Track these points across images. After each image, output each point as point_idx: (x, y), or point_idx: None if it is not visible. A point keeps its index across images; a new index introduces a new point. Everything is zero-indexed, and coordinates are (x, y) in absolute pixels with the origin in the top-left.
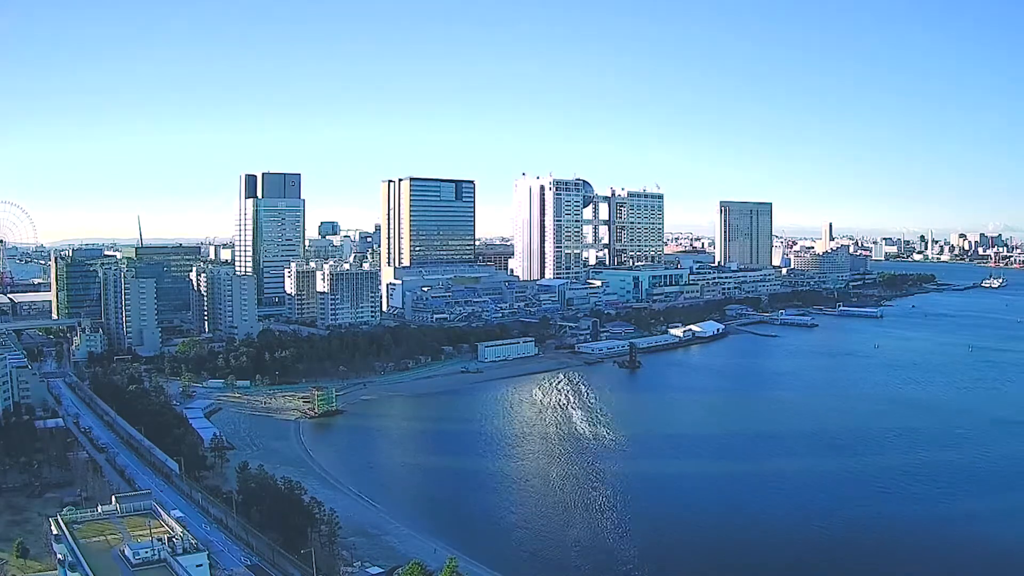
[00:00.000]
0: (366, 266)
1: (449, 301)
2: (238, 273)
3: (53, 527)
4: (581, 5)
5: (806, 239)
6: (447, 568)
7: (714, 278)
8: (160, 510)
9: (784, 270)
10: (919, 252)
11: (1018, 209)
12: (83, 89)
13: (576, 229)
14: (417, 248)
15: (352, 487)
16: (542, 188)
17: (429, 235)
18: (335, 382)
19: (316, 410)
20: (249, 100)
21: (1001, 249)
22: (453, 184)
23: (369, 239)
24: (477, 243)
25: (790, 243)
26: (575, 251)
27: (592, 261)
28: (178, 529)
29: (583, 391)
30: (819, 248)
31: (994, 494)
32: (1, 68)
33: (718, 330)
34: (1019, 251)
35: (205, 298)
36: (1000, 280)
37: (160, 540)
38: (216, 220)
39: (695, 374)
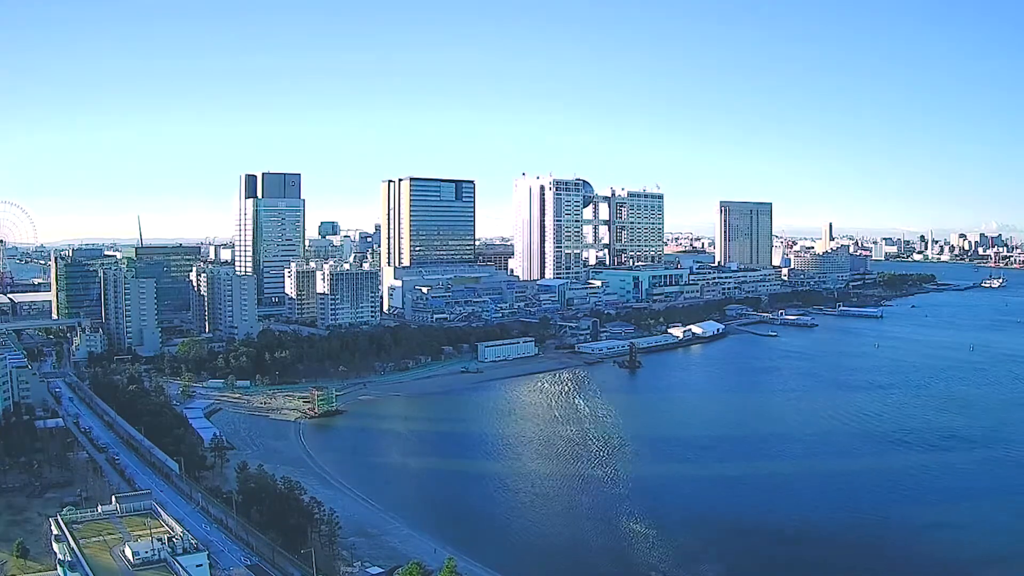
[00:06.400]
0: (366, 266)
1: (449, 301)
2: (238, 273)
3: (53, 527)
4: (581, 4)
5: (806, 239)
6: (446, 568)
7: (714, 278)
8: (160, 510)
9: (784, 270)
10: (919, 252)
11: (1018, 209)
12: (83, 89)
13: (576, 229)
14: (417, 248)
15: (352, 487)
16: (542, 188)
17: (429, 235)
18: (335, 382)
19: (316, 410)
20: (249, 99)
21: (1001, 249)
22: (453, 184)
23: (369, 239)
24: (477, 243)
25: (790, 243)
26: (575, 251)
27: (592, 261)
28: (178, 529)
29: (583, 391)
30: (819, 248)
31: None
32: (1, 68)
33: (718, 330)
34: (1019, 251)
35: (205, 298)
36: (1000, 280)
37: (160, 540)
38: (216, 220)
39: (695, 374)
